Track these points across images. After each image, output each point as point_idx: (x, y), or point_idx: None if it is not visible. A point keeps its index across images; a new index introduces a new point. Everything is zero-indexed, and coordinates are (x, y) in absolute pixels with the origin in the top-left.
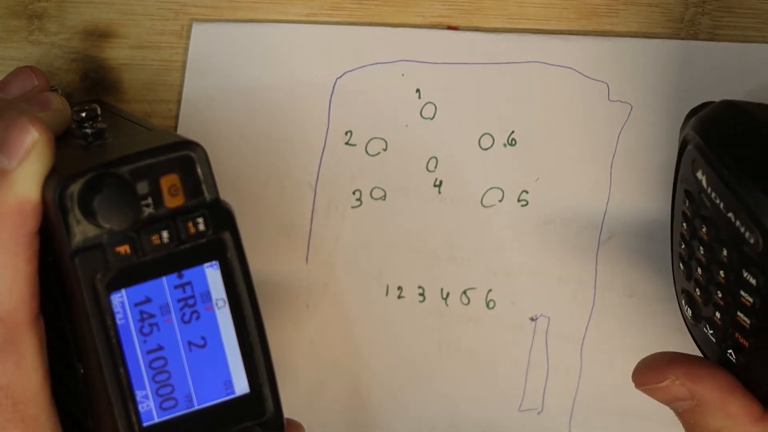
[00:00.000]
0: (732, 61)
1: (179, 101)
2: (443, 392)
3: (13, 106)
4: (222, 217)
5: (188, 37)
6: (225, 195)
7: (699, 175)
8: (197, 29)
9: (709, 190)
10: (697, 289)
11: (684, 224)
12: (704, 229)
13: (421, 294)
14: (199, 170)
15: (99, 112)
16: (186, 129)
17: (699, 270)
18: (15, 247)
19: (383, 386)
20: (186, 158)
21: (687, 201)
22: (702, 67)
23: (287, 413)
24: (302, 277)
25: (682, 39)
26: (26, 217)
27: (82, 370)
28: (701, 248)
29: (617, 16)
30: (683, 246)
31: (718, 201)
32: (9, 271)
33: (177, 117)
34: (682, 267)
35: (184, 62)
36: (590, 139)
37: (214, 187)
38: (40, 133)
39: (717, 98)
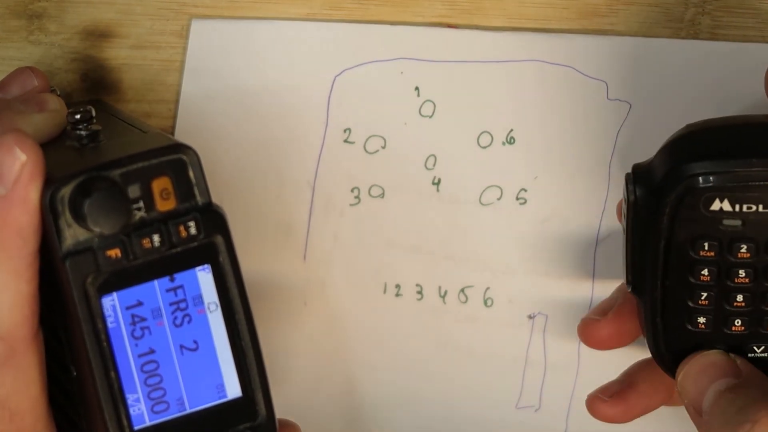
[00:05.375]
0: (732, 61)
1: (179, 101)
2: (441, 390)
3: (10, 107)
4: (214, 221)
5: (188, 37)
6: (223, 193)
7: (728, 220)
8: (196, 26)
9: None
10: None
11: (690, 273)
12: (743, 275)
13: (419, 292)
14: (191, 174)
15: (93, 113)
16: (184, 125)
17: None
18: (17, 269)
19: (381, 384)
20: (178, 162)
21: (693, 250)
22: (702, 67)
23: (284, 411)
24: (300, 274)
25: (682, 39)
26: (27, 239)
27: (75, 372)
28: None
29: (617, 16)
30: (695, 293)
31: None
32: (11, 292)
33: (176, 117)
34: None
35: (184, 62)
36: (589, 138)
37: (206, 190)
38: (28, 154)
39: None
